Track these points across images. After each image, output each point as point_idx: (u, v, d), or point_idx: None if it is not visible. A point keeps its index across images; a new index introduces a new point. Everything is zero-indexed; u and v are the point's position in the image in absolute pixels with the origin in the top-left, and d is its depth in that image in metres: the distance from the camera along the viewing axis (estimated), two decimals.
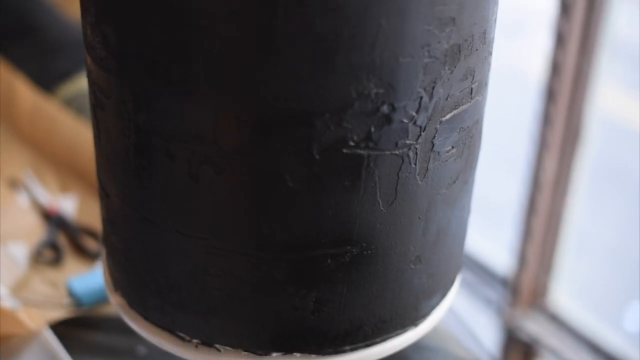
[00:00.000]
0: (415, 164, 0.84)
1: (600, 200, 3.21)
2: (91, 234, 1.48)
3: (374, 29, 0.75)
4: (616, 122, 3.49)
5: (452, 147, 0.87)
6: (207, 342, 0.93)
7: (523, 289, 2.62)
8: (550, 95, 2.26)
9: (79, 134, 1.60)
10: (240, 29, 0.74)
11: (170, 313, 0.93)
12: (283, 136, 0.78)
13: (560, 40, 2.21)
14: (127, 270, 0.96)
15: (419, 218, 0.88)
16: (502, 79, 3.50)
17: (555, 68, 2.23)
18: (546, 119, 2.29)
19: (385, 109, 0.79)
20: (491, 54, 0.92)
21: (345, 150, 0.79)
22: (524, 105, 2.85)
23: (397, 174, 0.83)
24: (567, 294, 2.68)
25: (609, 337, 2.60)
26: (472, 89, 0.87)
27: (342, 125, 0.78)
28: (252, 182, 0.81)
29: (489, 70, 0.92)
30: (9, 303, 1.23)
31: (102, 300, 1.27)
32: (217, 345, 0.92)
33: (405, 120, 0.81)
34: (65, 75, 1.73)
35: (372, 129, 0.79)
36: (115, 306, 1.01)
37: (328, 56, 0.75)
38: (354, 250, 0.86)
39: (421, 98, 0.81)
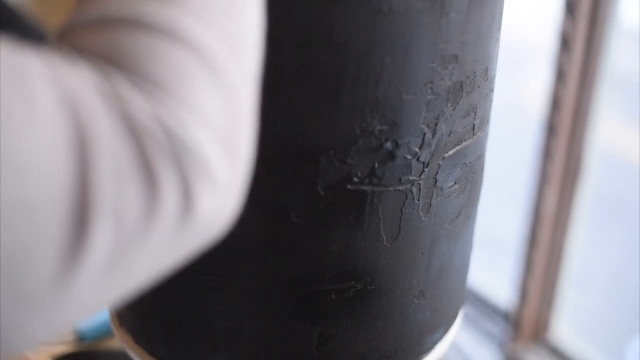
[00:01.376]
0: (419, 200, 0.85)
1: (601, 233, 3.21)
2: None
3: (377, 67, 0.76)
4: (616, 155, 3.51)
5: (455, 183, 0.88)
6: None
7: (525, 322, 2.62)
8: (551, 129, 2.28)
9: None
10: None
11: (175, 348, 0.94)
12: (288, 172, 0.79)
13: (560, 75, 2.23)
14: (133, 305, 0.97)
15: (422, 253, 0.89)
16: (503, 113, 3.52)
17: (556, 103, 2.25)
18: (547, 153, 2.31)
19: (388, 145, 0.80)
20: (493, 91, 0.93)
21: (349, 186, 0.80)
22: (525, 139, 2.87)
23: (401, 209, 0.84)
24: (568, 327, 2.68)
25: None
26: (474, 125, 0.88)
27: (346, 162, 0.79)
28: (258, 218, 0.81)
29: (490, 107, 0.93)
30: None
31: (106, 334, 1.27)
32: None
33: (409, 157, 0.82)
34: None
35: (376, 165, 0.80)
36: (120, 341, 1.02)
37: (333, 94, 0.76)
38: (358, 285, 0.86)
39: (424, 134, 0.82)
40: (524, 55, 4.39)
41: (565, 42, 2.21)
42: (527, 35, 4.58)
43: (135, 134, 0.45)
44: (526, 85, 4.08)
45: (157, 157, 0.45)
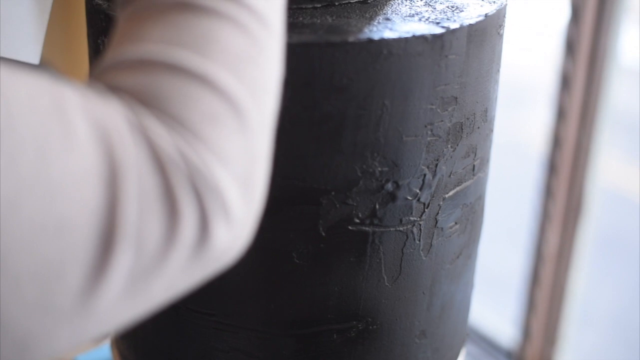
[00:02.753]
0: (420, 240, 0.85)
1: (603, 270, 3.21)
2: None
3: (378, 109, 0.77)
4: (617, 192, 3.51)
5: (456, 223, 0.89)
6: None
7: None
8: (552, 167, 2.28)
9: None
10: None
11: None
12: (290, 214, 0.80)
13: (560, 113, 2.24)
14: (135, 345, 0.97)
15: (424, 293, 0.90)
16: (505, 151, 3.53)
17: (556, 141, 2.25)
18: (548, 191, 2.31)
19: (389, 186, 0.81)
20: (492, 131, 0.94)
21: (350, 227, 0.81)
22: (526, 176, 2.87)
23: (402, 250, 0.85)
24: None
25: None
26: (474, 166, 0.89)
27: (347, 203, 0.80)
28: (260, 259, 0.82)
29: (490, 147, 0.94)
30: None
31: None
32: None
33: (409, 198, 0.82)
34: None
35: (377, 206, 0.81)
36: None
37: (333, 136, 0.77)
38: (359, 325, 0.87)
39: (425, 175, 0.82)
40: (524, 93, 4.41)
41: (565, 81, 2.22)
42: (528, 74, 4.60)
43: (161, 165, 0.48)
44: (527, 124, 4.10)
45: (180, 189, 0.48)
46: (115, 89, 0.50)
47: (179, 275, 0.50)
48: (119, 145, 0.47)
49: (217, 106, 0.50)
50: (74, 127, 0.46)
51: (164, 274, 0.49)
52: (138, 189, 0.47)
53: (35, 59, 0.98)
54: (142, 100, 0.50)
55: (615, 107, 2.31)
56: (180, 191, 0.48)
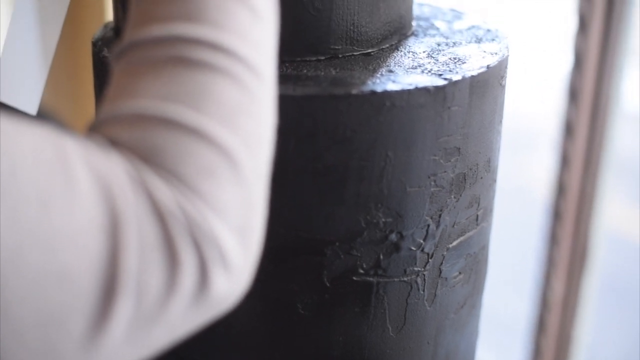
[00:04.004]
0: (424, 290, 0.86)
1: (609, 317, 3.19)
2: None
3: (381, 160, 0.78)
4: (622, 237, 3.50)
5: (460, 273, 0.89)
6: None
7: None
8: (557, 215, 2.28)
9: None
10: None
11: None
12: (295, 264, 0.80)
13: (564, 160, 2.25)
14: None
15: (428, 343, 0.89)
16: (509, 197, 3.53)
17: (561, 188, 2.26)
18: (553, 238, 2.31)
19: (393, 237, 0.81)
20: (495, 181, 0.94)
21: (355, 278, 0.81)
22: (531, 223, 2.87)
23: (406, 300, 0.85)
24: None
25: None
26: (477, 215, 0.89)
27: (351, 254, 0.80)
28: (265, 309, 0.82)
29: (494, 197, 0.95)
30: None
31: None
32: None
33: (413, 248, 0.83)
34: None
35: (381, 257, 0.81)
36: None
37: (337, 187, 0.78)
38: None
39: (428, 226, 0.83)
40: (529, 140, 4.43)
41: (569, 128, 2.23)
42: (532, 120, 4.62)
43: (160, 217, 0.49)
44: (532, 170, 4.11)
45: (179, 240, 0.49)
46: (116, 143, 0.51)
47: (179, 322, 0.51)
48: (119, 197, 0.48)
49: (213, 159, 0.51)
50: (76, 179, 0.48)
51: (164, 320, 0.50)
52: (138, 240, 0.48)
53: (34, 106, 0.99)
54: (140, 155, 0.51)
55: (619, 152, 2.31)
56: (179, 242, 0.49)
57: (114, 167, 0.49)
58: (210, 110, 0.52)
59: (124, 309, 0.48)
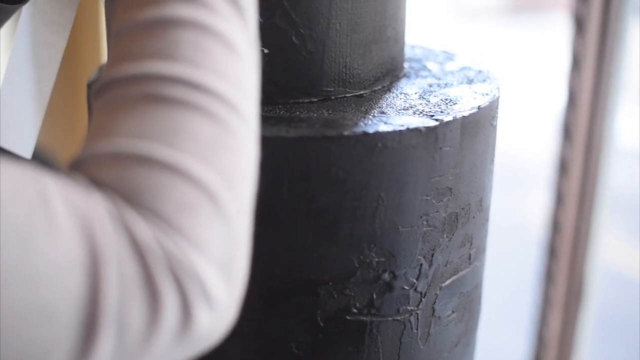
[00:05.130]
0: (417, 329, 0.86)
1: (606, 353, 3.18)
2: None
3: (374, 201, 0.79)
4: (617, 273, 3.51)
5: (453, 312, 0.90)
6: None
7: None
8: (552, 252, 2.29)
9: None
10: None
11: None
12: (288, 304, 0.80)
13: (559, 198, 2.26)
14: None
15: None
16: (504, 234, 3.54)
17: (556, 226, 2.27)
18: (548, 276, 2.31)
19: (386, 276, 0.82)
20: (488, 220, 0.95)
21: (348, 317, 0.82)
22: (526, 260, 2.88)
23: (400, 339, 0.85)
24: None
25: None
26: (470, 254, 0.90)
27: (345, 293, 0.81)
28: (259, 349, 0.83)
29: (486, 236, 0.95)
30: None
31: None
32: None
33: (406, 287, 0.83)
34: None
35: (375, 296, 0.82)
36: None
37: (330, 227, 0.78)
38: None
39: (421, 265, 0.84)
40: (523, 177, 4.44)
41: (563, 166, 2.24)
42: (526, 158, 4.64)
43: (140, 254, 0.50)
44: (527, 207, 4.12)
45: (160, 276, 0.50)
46: (95, 181, 0.52)
47: (162, 358, 0.52)
48: (100, 235, 0.49)
49: (191, 195, 0.52)
50: (57, 217, 0.48)
51: (147, 357, 0.51)
52: (119, 277, 0.49)
53: (29, 149, 1.00)
54: (119, 193, 0.51)
55: (614, 188, 2.32)
56: (160, 278, 0.50)
57: (94, 205, 0.50)
58: (186, 147, 0.53)
59: (105, 345, 0.49)
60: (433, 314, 0.87)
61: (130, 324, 0.49)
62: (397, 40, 0.94)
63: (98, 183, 0.52)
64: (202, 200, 0.52)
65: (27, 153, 0.99)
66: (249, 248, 0.57)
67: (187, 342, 0.52)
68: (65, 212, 0.49)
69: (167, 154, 0.52)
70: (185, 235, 0.51)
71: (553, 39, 5.12)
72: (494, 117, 0.91)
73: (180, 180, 0.52)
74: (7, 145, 0.97)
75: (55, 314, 0.47)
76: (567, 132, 2.26)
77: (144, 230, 0.50)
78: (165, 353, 0.51)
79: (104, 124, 0.54)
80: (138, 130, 0.53)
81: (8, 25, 0.90)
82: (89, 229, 0.49)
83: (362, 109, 0.84)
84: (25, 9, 0.91)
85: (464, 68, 1.00)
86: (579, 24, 2.21)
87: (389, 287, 0.82)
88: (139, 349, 0.50)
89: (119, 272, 0.49)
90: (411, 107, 0.85)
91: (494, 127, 0.91)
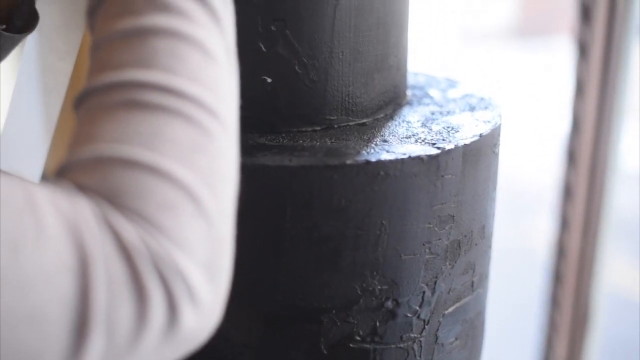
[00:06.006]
0: (420, 356, 0.86)
1: None
2: None
3: (376, 229, 0.79)
4: (622, 296, 3.49)
5: (456, 339, 0.90)
6: None
7: None
8: (557, 277, 2.29)
9: None
10: (251, 232, 0.78)
11: None
12: (291, 332, 0.81)
13: (564, 223, 2.26)
14: None
15: None
16: (509, 259, 3.53)
17: (561, 251, 2.26)
18: (554, 301, 2.31)
19: (389, 304, 0.82)
20: (491, 247, 0.95)
21: (352, 345, 0.82)
22: (532, 285, 2.87)
23: None
24: None
25: None
26: (473, 282, 0.90)
27: (348, 321, 0.81)
28: None
29: (489, 263, 0.96)
30: None
31: None
32: None
33: (409, 315, 0.83)
34: None
35: (378, 324, 0.82)
36: None
37: (333, 255, 0.79)
38: None
39: (424, 293, 0.84)
40: (528, 203, 4.44)
41: (567, 191, 2.25)
42: (531, 184, 4.63)
43: (127, 254, 0.51)
44: (532, 232, 4.11)
45: (146, 275, 0.51)
46: (80, 186, 0.53)
47: (151, 357, 0.53)
48: (87, 238, 0.50)
49: (172, 195, 0.53)
50: (45, 223, 0.50)
51: (136, 356, 0.52)
52: (107, 278, 0.50)
53: (37, 174, 1.00)
54: (103, 196, 0.53)
55: (619, 211, 2.32)
56: (146, 277, 0.51)
57: (80, 209, 0.51)
58: (165, 149, 0.54)
59: (96, 346, 0.50)
60: (436, 341, 0.87)
61: (119, 324, 0.50)
62: (400, 68, 0.94)
63: (82, 187, 0.53)
64: (183, 200, 0.53)
65: (35, 178, 1.00)
66: (232, 249, 0.57)
67: (174, 341, 0.53)
68: (53, 217, 0.50)
69: (147, 157, 0.54)
70: (168, 235, 0.52)
71: (558, 62, 5.13)
72: (495, 145, 0.91)
73: (161, 181, 0.53)
74: (14, 171, 0.98)
75: (46, 317, 0.49)
76: (572, 156, 2.26)
77: (129, 230, 0.51)
78: (152, 353, 0.52)
79: (85, 131, 0.56)
80: (118, 135, 0.54)
81: (13, 51, 0.91)
82: (76, 233, 0.50)
83: (365, 137, 0.85)
84: (31, 36, 0.91)
85: (467, 95, 1.01)
86: (582, 49, 2.21)
87: (392, 314, 0.82)
88: (128, 348, 0.51)
89: (107, 273, 0.50)
90: (413, 135, 0.85)
91: (496, 155, 0.92)
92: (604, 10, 2.15)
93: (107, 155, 0.54)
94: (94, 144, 0.54)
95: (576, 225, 2.28)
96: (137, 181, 0.53)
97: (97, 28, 0.60)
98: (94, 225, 0.51)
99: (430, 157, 0.81)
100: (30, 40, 0.93)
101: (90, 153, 0.54)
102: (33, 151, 1.03)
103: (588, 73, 2.21)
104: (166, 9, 0.58)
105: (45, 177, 1.04)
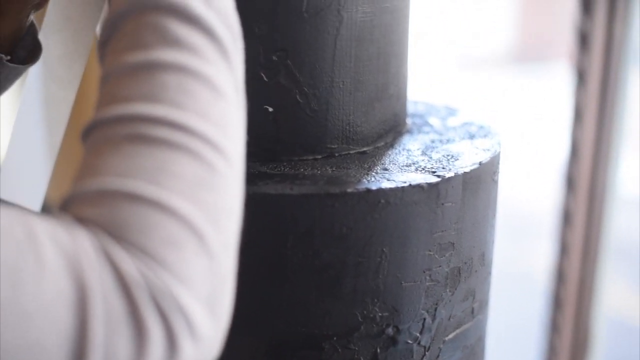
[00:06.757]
0: None
1: None
2: None
3: (377, 256, 0.80)
4: (622, 321, 3.49)
5: None
6: None
7: None
8: (557, 303, 2.29)
9: None
10: (253, 259, 0.79)
11: None
12: (293, 359, 0.81)
13: (563, 249, 2.27)
14: None
15: None
16: (509, 285, 3.53)
17: (560, 276, 2.27)
18: (554, 327, 2.31)
19: (390, 331, 0.83)
20: (491, 274, 0.96)
21: None
22: (531, 310, 2.87)
23: None
24: None
25: None
26: (473, 308, 0.91)
27: (349, 348, 0.82)
28: None
29: (489, 289, 0.96)
30: None
31: None
32: None
33: (410, 341, 0.84)
34: None
35: (378, 350, 0.83)
36: None
37: (334, 283, 0.79)
38: None
39: (424, 319, 0.84)
40: (528, 229, 4.45)
41: (567, 217, 2.26)
42: (530, 209, 4.64)
43: (126, 288, 0.51)
44: (531, 258, 4.12)
45: (145, 310, 0.51)
46: (82, 220, 0.53)
47: None
48: (86, 271, 0.50)
49: (175, 231, 0.53)
50: (45, 256, 0.50)
51: None
52: (105, 312, 0.50)
53: (38, 203, 1.01)
54: (105, 229, 0.53)
55: (617, 236, 2.33)
56: (145, 312, 0.51)
57: (80, 242, 0.51)
58: (170, 184, 0.54)
59: None
60: None
61: (117, 357, 0.50)
62: (400, 97, 0.95)
63: (83, 219, 0.53)
64: (186, 235, 0.53)
65: (36, 208, 1.00)
66: (233, 284, 0.57)
67: None
68: (53, 250, 0.50)
69: (152, 191, 0.54)
70: (170, 270, 0.52)
71: (557, 88, 5.16)
72: (495, 172, 0.92)
73: (165, 216, 0.53)
74: (16, 200, 0.98)
75: (44, 351, 0.49)
76: (571, 181, 2.27)
77: (129, 264, 0.51)
78: None
79: (91, 164, 0.56)
80: (123, 169, 0.54)
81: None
82: (76, 266, 0.50)
83: (365, 165, 0.86)
84: (33, 65, 0.92)
85: (466, 123, 1.02)
86: (581, 75, 2.23)
87: (393, 341, 0.83)
88: None
89: (106, 307, 0.50)
90: (413, 164, 0.86)
91: (496, 182, 0.93)
92: (602, 36, 2.17)
93: (112, 188, 0.54)
94: (99, 177, 0.55)
95: (575, 250, 2.28)
96: (141, 215, 0.53)
97: (107, 60, 0.60)
98: (94, 259, 0.51)
99: (430, 185, 0.82)
100: (33, 70, 0.94)
101: (94, 186, 0.54)
102: (34, 180, 1.04)
103: (586, 99, 2.23)
104: (176, 44, 0.58)
105: (46, 207, 1.04)
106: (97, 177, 0.55)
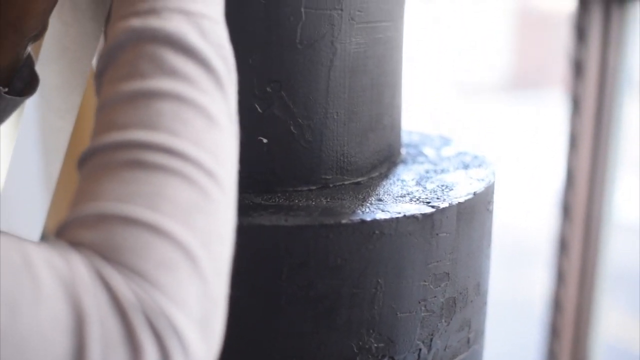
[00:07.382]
0: None
1: None
2: None
3: (372, 287, 0.80)
4: (622, 347, 3.49)
5: None
6: None
7: None
8: (554, 331, 2.29)
9: None
10: (248, 290, 0.79)
11: None
12: None
13: (560, 277, 2.27)
14: None
15: None
16: (505, 312, 3.53)
17: (557, 305, 2.27)
18: (551, 355, 2.31)
19: None
20: (486, 304, 0.96)
21: None
22: (528, 339, 2.87)
23: None
24: None
25: None
26: (469, 338, 0.90)
27: None
28: None
29: (485, 319, 0.96)
30: None
31: None
32: None
33: None
34: None
35: None
36: None
37: (329, 314, 0.79)
38: None
39: (420, 350, 0.84)
40: (524, 257, 4.45)
41: (563, 245, 2.26)
42: (526, 238, 4.64)
43: (121, 310, 0.51)
44: (528, 287, 4.11)
45: (140, 331, 0.51)
46: (76, 245, 0.54)
47: None
48: (82, 296, 0.51)
49: (170, 254, 0.54)
50: (41, 282, 0.50)
51: None
52: (102, 336, 0.50)
53: (37, 233, 1.01)
54: (100, 253, 0.53)
55: (614, 263, 2.33)
56: (141, 334, 0.51)
57: (75, 267, 0.52)
58: (165, 209, 0.55)
59: None
60: None
61: None
62: (394, 127, 0.96)
63: (78, 243, 0.54)
64: (180, 259, 0.54)
65: (35, 238, 1.00)
66: (225, 308, 0.58)
67: None
68: (49, 276, 0.51)
69: (147, 215, 0.54)
70: (164, 291, 0.53)
71: (552, 116, 5.18)
72: (489, 202, 0.92)
73: (158, 239, 0.54)
74: (15, 230, 0.98)
75: None
76: (566, 209, 2.28)
77: (122, 285, 0.52)
78: None
79: (88, 189, 0.57)
80: (120, 194, 0.55)
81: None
82: (72, 292, 0.51)
83: (360, 196, 0.86)
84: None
85: (460, 153, 1.02)
86: (576, 103, 2.24)
87: None
88: None
89: (102, 330, 0.51)
90: (408, 194, 0.87)
91: (490, 212, 0.93)
92: (596, 64, 2.18)
93: (108, 212, 0.54)
94: (96, 201, 0.55)
95: (572, 278, 2.28)
96: (136, 238, 0.54)
97: (104, 90, 0.61)
98: (89, 283, 0.52)
99: (425, 215, 0.82)
100: (30, 100, 0.95)
101: (91, 210, 0.55)
102: (33, 210, 1.04)
103: (581, 126, 2.23)
104: (173, 74, 0.59)
105: (45, 237, 1.04)
106: (92, 202, 0.55)
